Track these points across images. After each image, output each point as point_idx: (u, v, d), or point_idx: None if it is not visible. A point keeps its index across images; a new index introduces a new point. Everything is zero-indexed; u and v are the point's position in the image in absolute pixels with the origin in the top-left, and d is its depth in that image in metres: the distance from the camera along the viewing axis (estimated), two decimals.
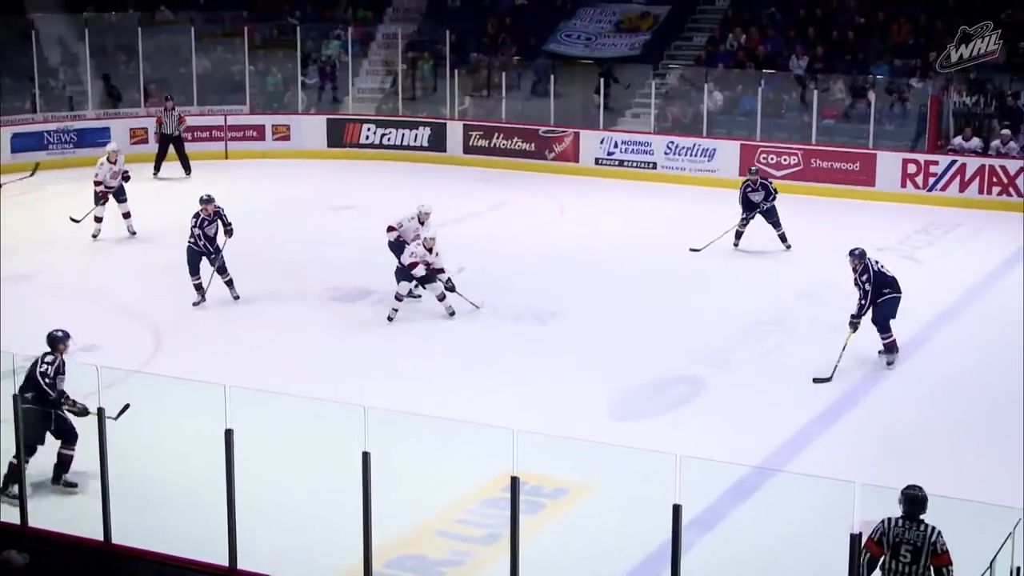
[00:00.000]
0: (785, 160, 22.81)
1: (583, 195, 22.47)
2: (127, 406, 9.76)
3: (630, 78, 25.90)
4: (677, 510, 7.09)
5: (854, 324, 13.35)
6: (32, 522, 9.11)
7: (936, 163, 21.92)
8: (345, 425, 7.99)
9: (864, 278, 13.38)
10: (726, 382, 13.23)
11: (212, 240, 15.60)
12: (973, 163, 21.65)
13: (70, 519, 9.33)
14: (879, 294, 13.38)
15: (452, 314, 15.18)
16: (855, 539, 7.00)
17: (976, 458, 11.40)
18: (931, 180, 21.91)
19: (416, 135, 25.79)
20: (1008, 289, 16.50)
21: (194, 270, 15.61)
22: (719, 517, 9.75)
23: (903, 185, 22.11)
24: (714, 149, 23.48)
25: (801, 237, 18.65)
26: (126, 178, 18.94)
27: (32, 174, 18.53)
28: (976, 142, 21.98)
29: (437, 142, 25.60)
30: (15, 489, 9.80)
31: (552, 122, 24.83)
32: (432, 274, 14.98)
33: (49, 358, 10.26)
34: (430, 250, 14.91)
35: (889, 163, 22.28)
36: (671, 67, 26.06)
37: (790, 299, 16.03)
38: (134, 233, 19.04)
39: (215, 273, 15.64)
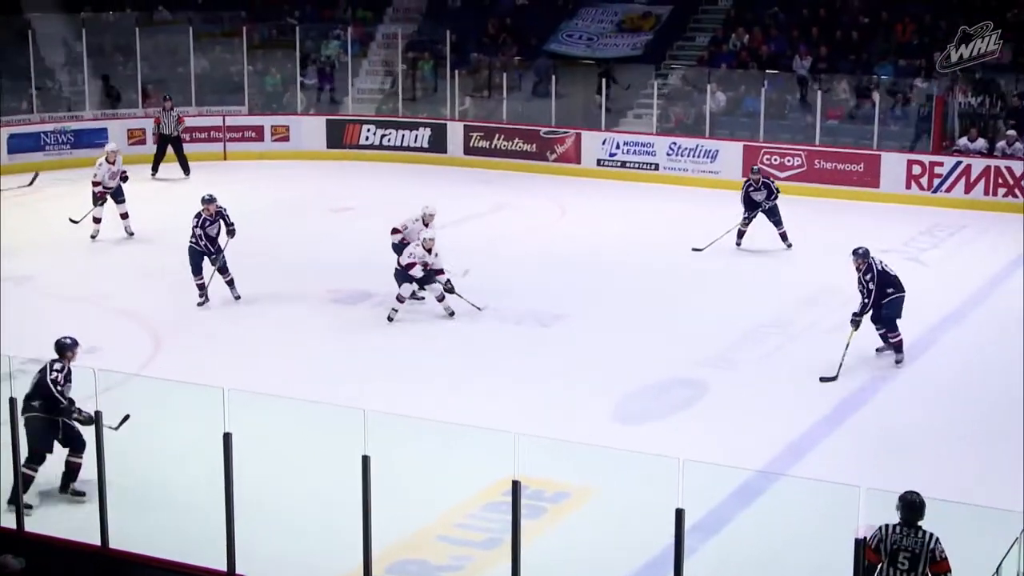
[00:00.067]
0: (788, 161, 22.72)
1: (585, 196, 22.39)
2: (127, 416, 9.75)
3: (632, 78, 25.82)
4: (680, 514, 7.04)
5: (856, 322, 13.38)
6: (28, 527, 9.05)
7: (941, 164, 21.81)
8: (345, 428, 7.92)
9: (868, 277, 13.40)
10: (729, 384, 13.17)
11: (213, 240, 15.54)
12: (978, 164, 21.54)
13: (67, 523, 9.28)
14: (883, 294, 13.41)
15: (451, 314, 15.11)
16: (860, 544, 6.96)
17: (981, 460, 11.34)
18: (936, 181, 21.81)
19: (416, 136, 25.72)
20: (1014, 291, 16.40)
21: (196, 270, 15.55)
22: (722, 521, 9.67)
23: (908, 186, 22.01)
24: (717, 150, 23.38)
25: (804, 239, 18.59)
26: (124, 178, 18.90)
27: (30, 184, 18.53)
28: (981, 143, 21.88)
29: (437, 143, 25.53)
30: (24, 498, 9.73)
31: (553, 123, 24.74)
32: (430, 275, 14.91)
33: (58, 365, 10.16)
34: (429, 251, 14.85)
35: (893, 164, 22.18)
36: (673, 67, 25.97)
37: (792, 301, 15.95)
38: (132, 234, 18.98)
39: (216, 272, 15.58)
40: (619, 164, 24.09)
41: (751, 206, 18.31)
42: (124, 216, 18.96)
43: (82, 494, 10.12)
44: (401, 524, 9.35)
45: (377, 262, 15.97)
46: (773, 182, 18.67)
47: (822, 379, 13.12)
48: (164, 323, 15.00)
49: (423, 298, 15.40)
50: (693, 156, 23.56)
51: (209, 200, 15.63)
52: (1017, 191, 21.26)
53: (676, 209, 21.46)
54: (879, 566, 7.40)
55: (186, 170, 23.40)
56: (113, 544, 8.70)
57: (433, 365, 13.78)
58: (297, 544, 9.36)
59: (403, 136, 25.74)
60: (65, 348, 10.30)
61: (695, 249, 18.26)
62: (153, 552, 8.70)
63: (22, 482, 9.76)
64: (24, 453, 9.76)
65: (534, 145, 24.73)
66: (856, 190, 22.18)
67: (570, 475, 10.28)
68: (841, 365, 13.15)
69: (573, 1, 28.05)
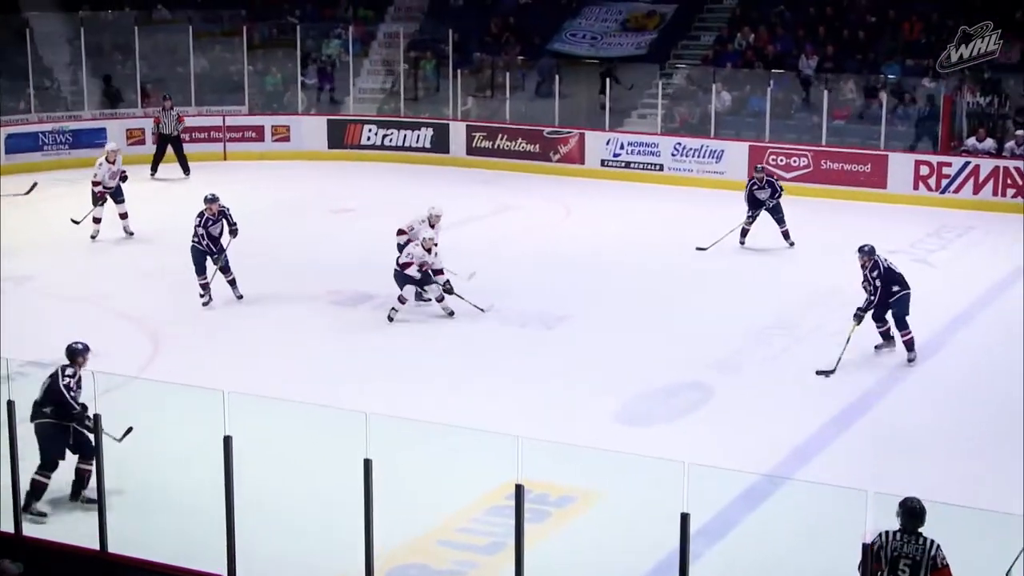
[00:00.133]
0: (795, 161, 22.61)
1: (588, 197, 22.30)
2: (130, 429, 9.74)
3: (636, 78, 25.73)
4: (685, 519, 6.98)
5: (859, 317, 13.44)
6: (27, 531, 8.98)
7: (949, 165, 21.69)
8: (347, 431, 7.83)
9: (875, 274, 13.45)
10: (734, 386, 13.09)
11: (216, 240, 15.47)
12: (987, 165, 21.42)
13: (65, 527, 9.19)
14: (889, 292, 13.47)
15: (451, 314, 15.03)
16: (867, 548, 6.94)
17: (989, 462, 11.26)
18: (944, 182, 21.70)
19: (418, 136, 25.63)
20: (1022, 294, 16.27)
21: (200, 270, 15.50)
22: (728, 526, 9.62)
23: (915, 187, 21.89)
24: (722, 150, 23.27)
25: (810, 240, 18.54)
26: (123, 178, 18.85)
27: (27, 192, 18.50)
28: (990, 143, 21.77)
29: (440, 143, 25.44)
30: (38, 506, 9.69)
31: (557, 123, 24.65)
32: (428, 275, 14.81)
33: (70, 371, 10.02)
34: (429, 251, 14.77)
35: (901, 165, 22.07)
36: (678, 67, 25.90)
37: (797, 302, 15.86)
38: (131, 234, 18.94)
39: (218, 272, 15.52)
40: (623, 164, 23.99)
41: (755, 204, 18.30)
42: (124, 216, 18.91)
43: (94, 501, 9.95)
44: (403, 528, 9.29)
45: (378, 263, 15.88)
46: (777, 180, 18.66)
47: (818, 372, 13.16)
48: (164, 323, 14.95)
49: (429, 300, 15.29)
50: (698, 156, 23.46)
51: (212, 199, 15.55)
52: None
53: (680, 210, 21.38)
54: (879, 574, 7.29)
55: (186, 170, 23.33)
56: (112, 548, 8.63)
57: (433, 365, 13.72)
58: (298, 548, 9.29)
59: (405, 136, 25.65)
60: (76, 353, 10.15)
61: (699, 248, 18.22)
62: (152, 557, 8.63)
63: (36, 489, 9.74)
64: (37, 460, 9.69)
65: (537, 145, 24.63)
66: (863, 191, 22.06)
67: (575, 478, 10.22)
68: (839, 360, 13.14)
69: (577, 0, 27.97)
